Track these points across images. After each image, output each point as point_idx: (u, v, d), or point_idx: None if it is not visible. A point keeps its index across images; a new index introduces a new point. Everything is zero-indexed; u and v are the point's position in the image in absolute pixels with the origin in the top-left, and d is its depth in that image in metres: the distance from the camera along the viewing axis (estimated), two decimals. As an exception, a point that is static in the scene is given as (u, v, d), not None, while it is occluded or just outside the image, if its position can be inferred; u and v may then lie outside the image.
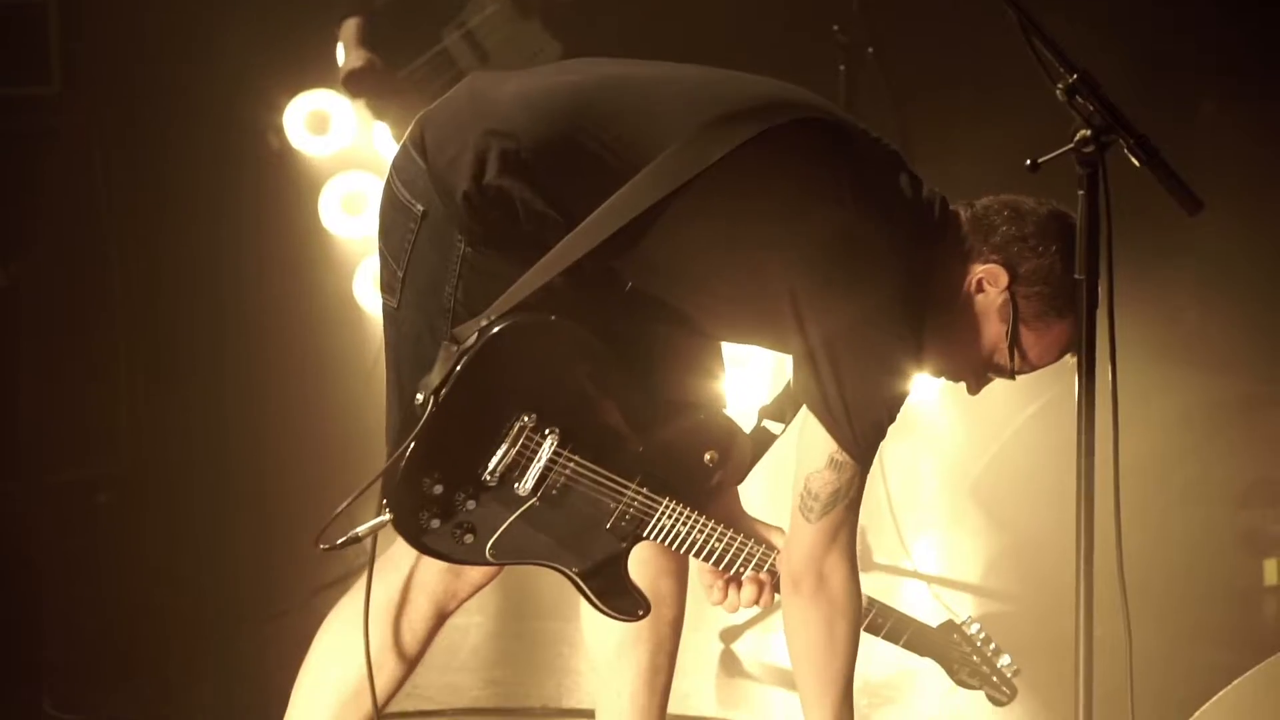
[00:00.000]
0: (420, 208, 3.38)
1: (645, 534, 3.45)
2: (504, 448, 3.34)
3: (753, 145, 3.29)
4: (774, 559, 3.50)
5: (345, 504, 3.35)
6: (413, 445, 3.28)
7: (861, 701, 5.01)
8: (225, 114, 7.14)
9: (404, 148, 3.45)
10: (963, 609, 5.53)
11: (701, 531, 3.47)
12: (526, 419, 3.34)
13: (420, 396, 3.29)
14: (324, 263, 7.36)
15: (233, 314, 7.20)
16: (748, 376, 6.20)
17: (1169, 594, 5.53)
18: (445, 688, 5.06)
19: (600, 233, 3.27)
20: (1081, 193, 3.04)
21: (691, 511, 3.46)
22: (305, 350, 7.26)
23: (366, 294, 7.27)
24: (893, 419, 3.35)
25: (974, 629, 3.71)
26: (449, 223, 3.34)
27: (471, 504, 3.35)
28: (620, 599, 3.48)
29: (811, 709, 3.48)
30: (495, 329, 3.28)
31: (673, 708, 4.69)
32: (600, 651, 3.79)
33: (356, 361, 7.12)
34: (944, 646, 3.68)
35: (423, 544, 3.38)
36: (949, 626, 3.69)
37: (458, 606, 3.59)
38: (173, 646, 5.40)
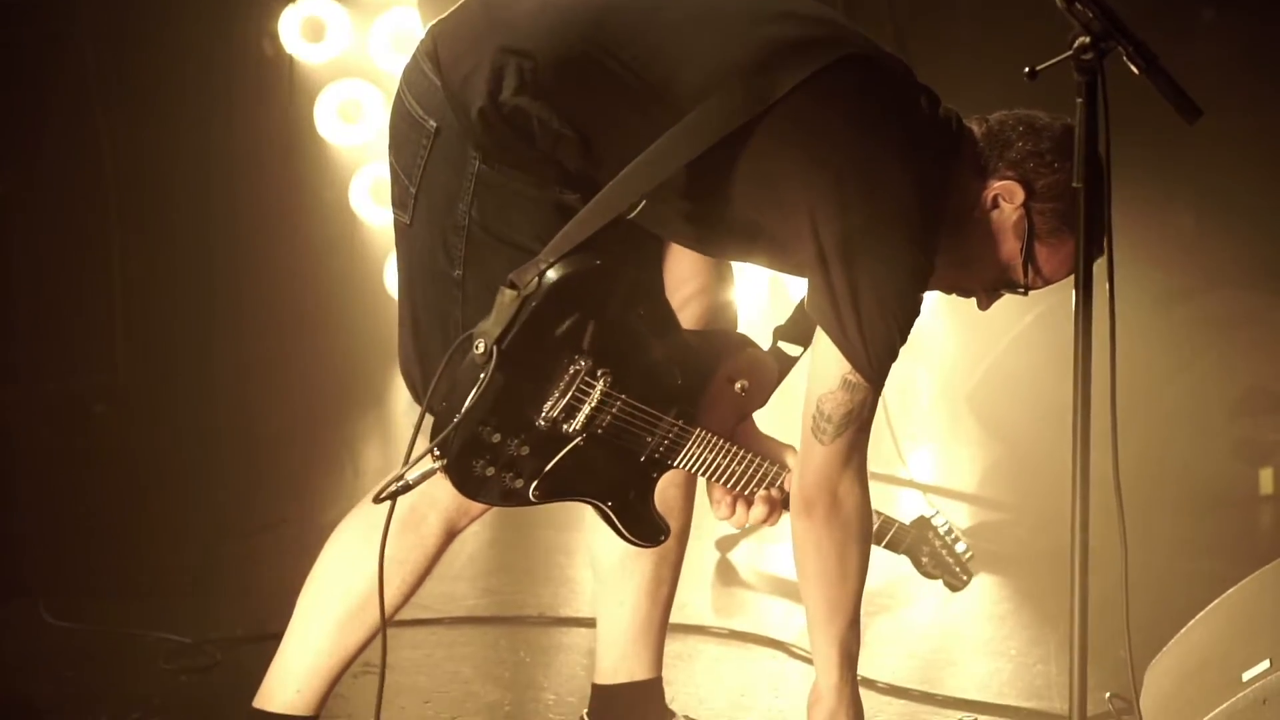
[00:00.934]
0: (433, 124, 3.36)
1: (675, 463, 3.46)
2: (559, 393, 3.34)
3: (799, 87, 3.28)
4: (785, 477, 3.51)
5: (411, 463, 3.32)
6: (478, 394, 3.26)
7: (857, 610, 5.03)
8: (220, 21, 7.10)
9: (415, 61, 3.42)
10: (958, 518, 5.54)
11: (725, 456, 3.48)
12: (582, 362, 3.33)
13: (480, 346, 3.26)
14: (320, 171, 7.34)
15: (227, 223, 7.18)
16: (749, 288, 6.20)
17: (1164, 503, 5.54)
18: (442, 596, 5.07)
19: (655, 176, 3.26)
20: (1080, 100, 3.02)
21: (720, 439, 3.47)
22: (300, 259, 7.25)
23: (363, 202, 7.26)
24: (905, 338, 3.35)
25: (939, 521, 3.75)
26: (463, 139, 3.33)
27: (525, 449, 3.35)
28: (645, 527, 3.50)
29: (819, 633, 3.50)
30: (556, 275, 3.27)
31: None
32: (604, 561, 3.80)
33: (352, 270, 7.11)
34: (917, 542, 3.72)
35: (474, 491, 3.39)
36: (921, 523, 3.72)
37: (469, 523, 3.60)
38: (170, 555, 5.41)
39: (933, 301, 7.45)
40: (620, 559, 3.76)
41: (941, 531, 3.75)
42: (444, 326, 3.36)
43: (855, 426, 3.37)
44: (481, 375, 3.25)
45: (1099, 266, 3.10)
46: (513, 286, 3.26)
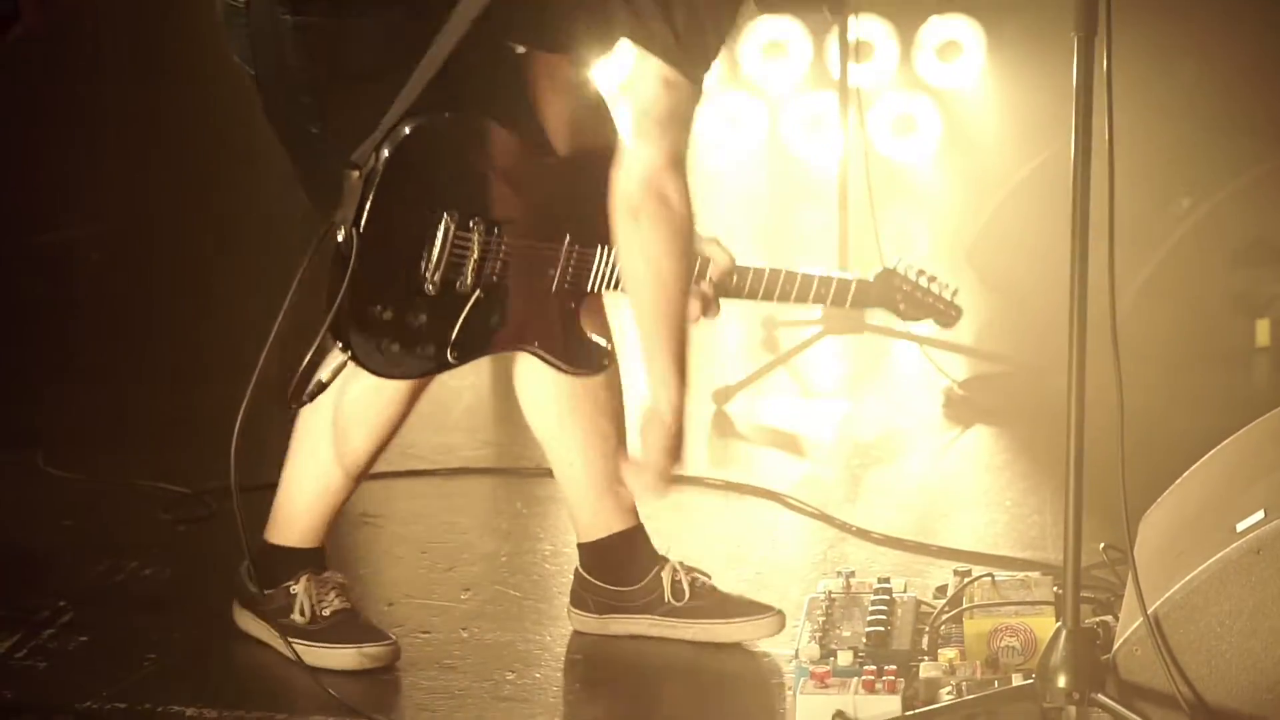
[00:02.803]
0: (242, 2, 3.41)
1: (590, 287, 3.45)
2: (435, 253, 3.34)
3: None
4: (711, 268, 3.50)
5: (305, 360, 3.38)
6: (352, 282, 3.30)
7: (853, 461, 5.04)
8: None
9: None
10: (955, 371, 5.54)
11: None
12: (448, 219, 3.34)
13: (340, 234, 3.30)
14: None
15: (223, 70, 7.11)
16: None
17: (1161, 355, 5.54)
18: (438, 447, 5.09)
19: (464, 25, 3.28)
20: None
21: None
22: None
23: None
24: (720, 45, 3.31)
25: (904, 267, 3.75)
26: (270, 3, 3.36)
27: (423, 317, 3.38)
28: (582, 356, 3.54)
29: (655, 347, 3.40)
30: (389, 148, 3.29)
31: (665, 468, 4.70)
32: (542, 428, 3.82)
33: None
34: (886, 292, 3.72)
35: (388, 371, 3.43)
36: (887, 274, 3.74)
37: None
38: (167, 405, 5.42)
39: (931, 154, 7.42)
40: (556, 422, 3.78)
41: (911, 275, 3.74)
42: (325, 184, 3.39)
43: (679, 127, 3.31)
44: (348, 263, 3.29)
45: (1100, 127, 3.08)
46: (354, 167, 3.30)
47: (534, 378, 3.75)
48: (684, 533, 4.44)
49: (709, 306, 3.56)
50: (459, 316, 3.40)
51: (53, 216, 6.50)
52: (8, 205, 6.17)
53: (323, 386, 3.41)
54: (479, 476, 4.94)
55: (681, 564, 3.85)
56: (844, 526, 4.43)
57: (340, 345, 3.37)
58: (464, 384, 5.60)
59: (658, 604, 3.81)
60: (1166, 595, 3.22)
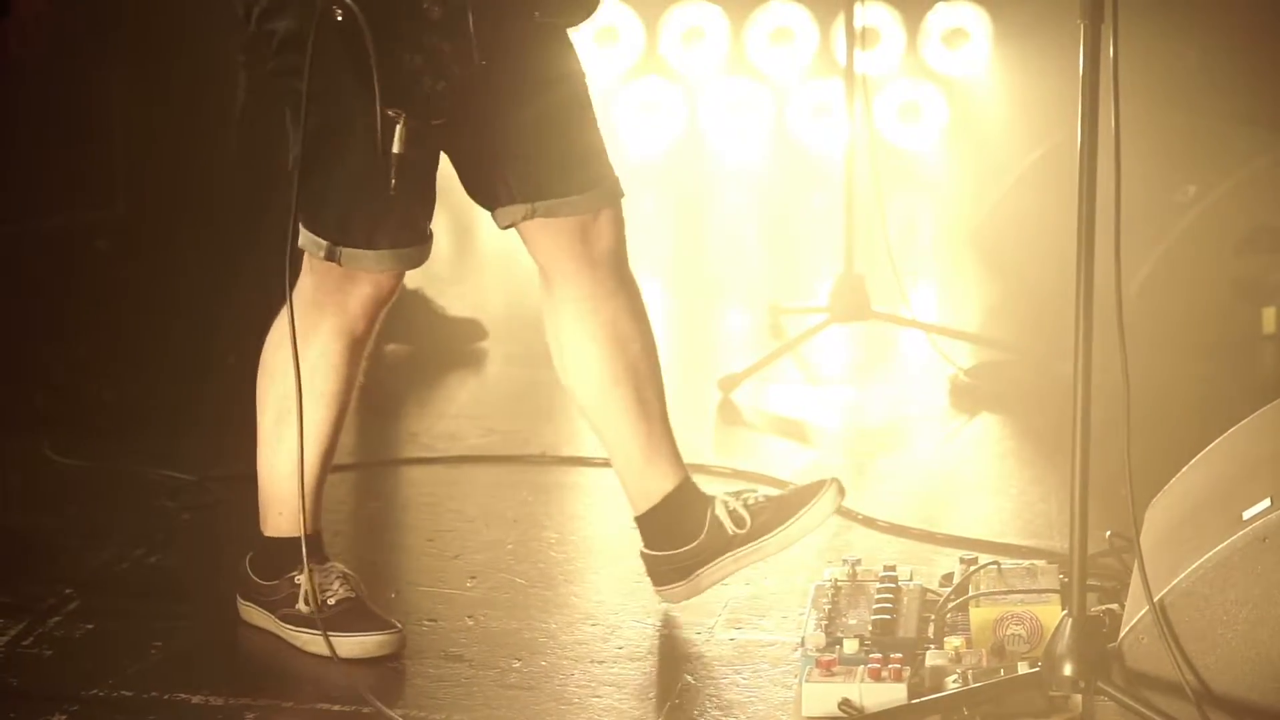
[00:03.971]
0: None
1: None
2: None
3: None
4: None
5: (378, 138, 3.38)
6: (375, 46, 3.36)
7: (858, 449, 5.04)
8: None
9: None
10: (961, 358, 5.54)
11: None
12: None
13: (340, 14, 3.34)
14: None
15: (231, 54, 7.12)
16: None
17: (1167, 343, 5.54)
18: (443, 435, 5.08)
19: None
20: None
21: None
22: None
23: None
24: None
25: None
26: None
27: (447, 45, 3.41)
28: None
29: None
30: None
31: (670, 456, 4.69)
32: (584, 398, 3.84)
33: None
34: None
35: (439, 103, 3.44)
36: None
37: (368, 330, 3.68)
38: (172, 393, 5.41)
39: (938, 141, 7.41)
40: (598, 392, 3.79)
41: None
42: None
43: None
44: (361, 30, 3.34)
45: (1106, 115, 3.08)
46: None
47: (575, 349, 3.79)
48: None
49: None
50: (468, 18, 3.41)
51: (59, 202, 6.49)
52: (13, 189, 6.17)
53: (401, 156, 3.42)
54: (485, 464, 4.94)
55: (727, 494, 3.85)
56: (849, 514, 4.43)
57: (392, 113, 3.39)
58: (467, 371, 5.60)
59: (728, 541, 3.80)
60: (1173, 583, 3.22)
